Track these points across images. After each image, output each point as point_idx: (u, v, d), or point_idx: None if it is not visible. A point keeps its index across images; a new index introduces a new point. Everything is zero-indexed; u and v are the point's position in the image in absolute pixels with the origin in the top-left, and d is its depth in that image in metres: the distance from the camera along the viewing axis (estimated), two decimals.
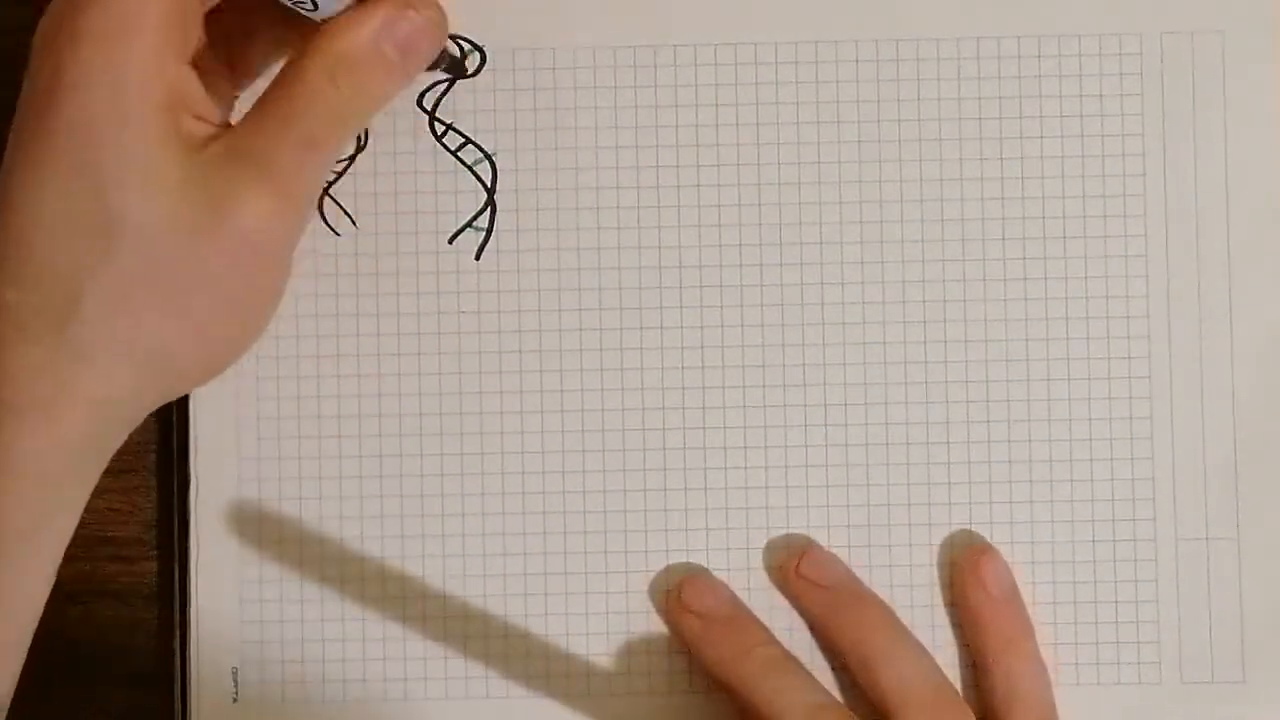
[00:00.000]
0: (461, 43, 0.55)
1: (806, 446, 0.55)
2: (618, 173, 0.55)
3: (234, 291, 0.45)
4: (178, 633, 0.55)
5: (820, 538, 0.55)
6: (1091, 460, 0.55)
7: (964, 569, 0.54)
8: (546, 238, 0.55)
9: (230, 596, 0.55)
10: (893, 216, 0.55)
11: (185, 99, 0.45)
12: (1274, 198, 0.55)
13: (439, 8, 0.47)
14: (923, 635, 0.54)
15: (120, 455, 0.54)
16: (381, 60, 0.45)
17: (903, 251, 0.55)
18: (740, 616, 0.54)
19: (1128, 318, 0.55)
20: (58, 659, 0.55)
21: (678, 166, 0.55)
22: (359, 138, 0.56)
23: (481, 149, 0.56)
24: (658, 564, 0.55)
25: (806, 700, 0.52)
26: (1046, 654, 0.54)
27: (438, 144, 0.56)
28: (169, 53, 0.44)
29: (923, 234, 0.55)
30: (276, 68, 0.52)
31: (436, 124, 0.56)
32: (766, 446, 0.55)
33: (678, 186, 0.55)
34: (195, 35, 0.46)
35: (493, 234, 0.56)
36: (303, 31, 0.49)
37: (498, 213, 0.56)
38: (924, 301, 0.55)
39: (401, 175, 0.56)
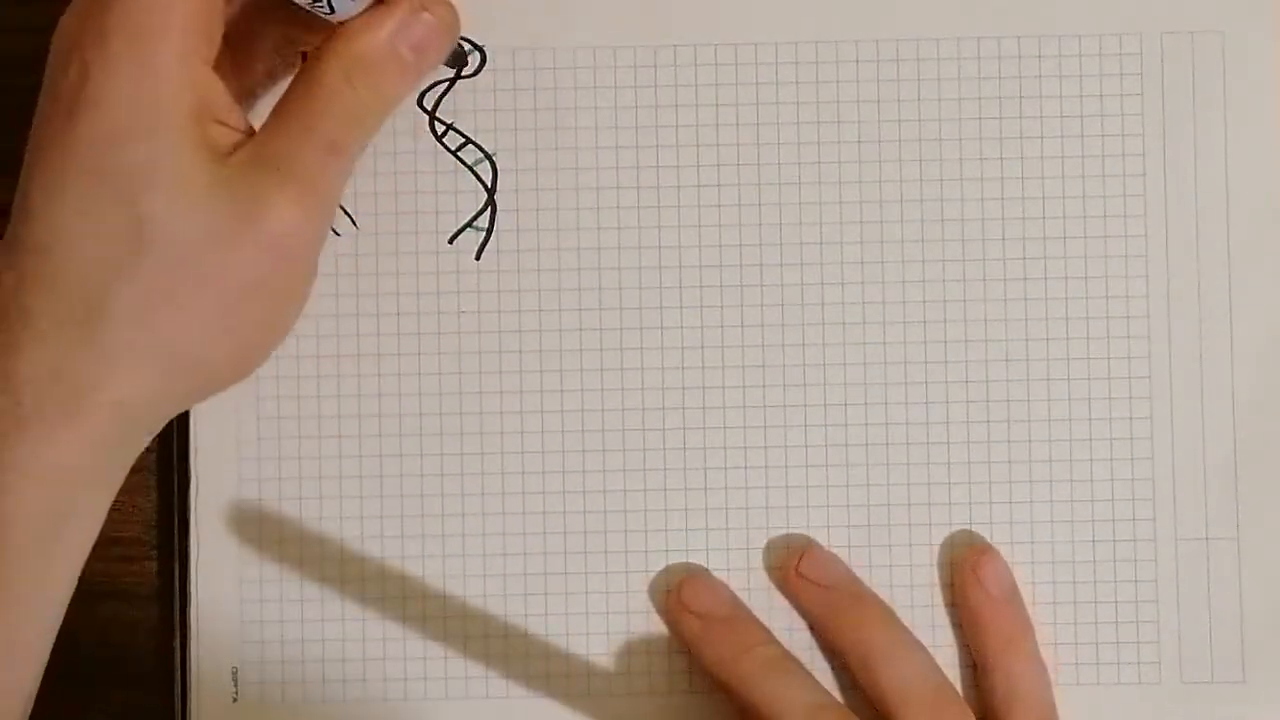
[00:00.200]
0: (462, 42, 0.55)
1: (806, 446, 0.55)
2: (618, 173, 0.55)
3: (261, 294, 0.45)
4: (178, 632, 0.55)
5: (820, 537, 0.55)
6: (1091, 460, 0.55)
7: (964, 569, 0.54)
8: (547, 238, 0.55)
9: (230, 596, 0.55)
10: (892, 216, 0.55)
11: (210, 105, 0.45)
12: (1274, 198, 0.55)
13: (451, 8, 0.47)
14: (923, 635, 0.54)
15: None
16: (397, 61, 0.46)
17: (903, 251, 0.55)
18: (739, 616, 0.54)
19: (1128, 318, 0.55)
20: (58, 659, 0.55)
21: (678, 166, 0.55)
22: None
23: (482, 149, 0.56)
24: (658, 564, 0.55)
25: (806, 700, 0.52)
26: (1046, 654, 0.54)
27: (438, 144, 0.56)
28: (195, 57, 0.44)
29: (922, 234, 0.55)
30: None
31: (437, 124, 0.56)
32: (766, 446, 0.55)
33: (678, 186, 0.55)
34: (218, 38, 0.46)
35: (493, 234, 0.56)
36: (308, 35, 0.49)
37: (498, 213, 0.56)
38: (924, 301, 0.55)
39: (402, 175, 0.56)
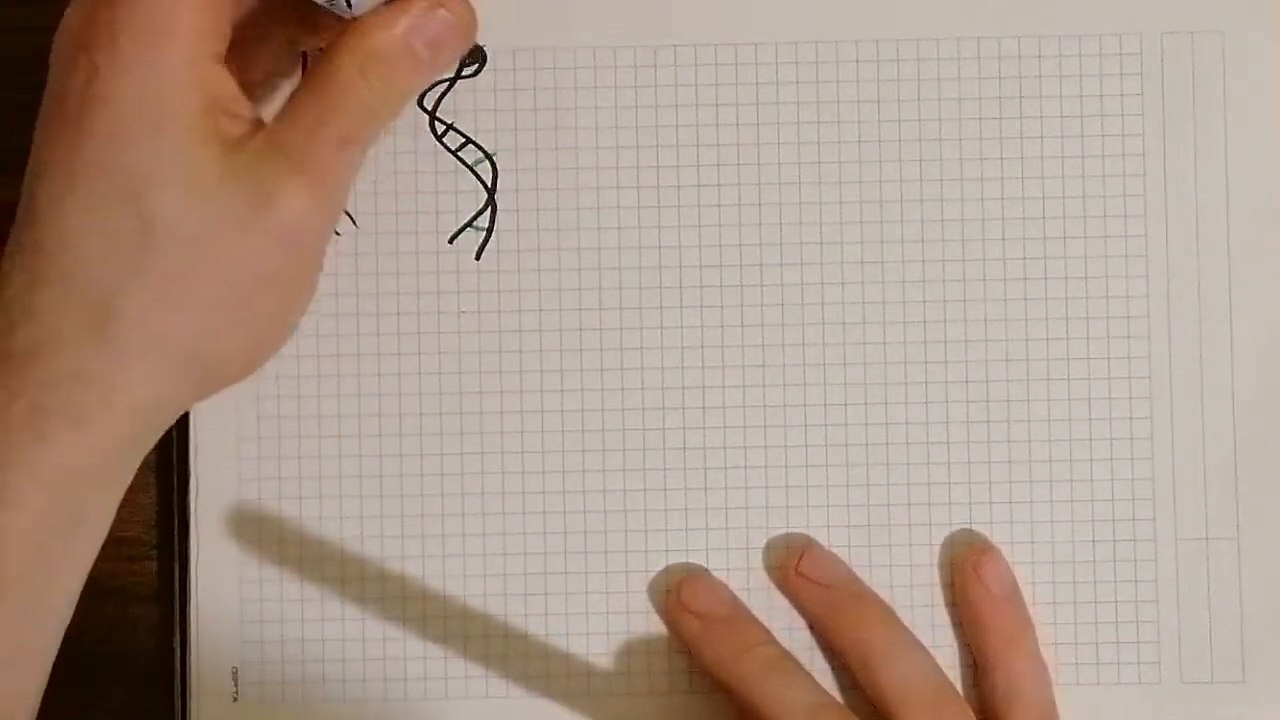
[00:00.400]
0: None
1: (806, 446, 0.55)
2: (618, 172, 0.55)
3: (273, 285, 0.45)
4: (178, 632, 0.55)
5: (820, 537, 0.55)
6: (1091, 460, 0.55)
7: (964, 567, 0.54)
8: (547, 238, 0.55)
9: (230, 596, 0.55)
10: (892, 216, 0.55)
11: (221, 100, 0.45)
12: (1274, 198, 0.55)
13: (469, 8, 0.47)
14: (923, 635, 0.54)
15: None
16: (411, 56, 0.46)
17: (902, 251, 0.55)
18: (739, 616, 0.54)
19: (1128, 318, 0.55)
20: (59, 657, 0.55)
21: (678, 166, 0.55)
22: None
23: (482, 149, 0.56)
24: (658, 564, 0.55)
25: (806, 700, 0.52)
26: (1046, 654, 0.54)
27: (438, 144, 0.56)
28: (205, 54, 0.44)
29: (922, 234, 0.55)
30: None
31: (437, 124, 0.56)
32: (766, 446, 0.55)
33: (678, 186, 0.55)
34: (228, 33, 0.46)
35: (493, 234, 0.56)
36: (311, 36, 0.49)
37: (498, 212, 0.56)
38: (924, 301, 0.55)
39: (402, 175, 0.56)
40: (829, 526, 0.55)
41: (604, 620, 0.55)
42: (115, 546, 0.55)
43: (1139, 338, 0.55)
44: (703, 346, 0.55)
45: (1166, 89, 0.55)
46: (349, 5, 0.46)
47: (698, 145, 0.55)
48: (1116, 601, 0.55)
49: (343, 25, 0.46)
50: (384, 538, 0.55)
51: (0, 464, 0.43)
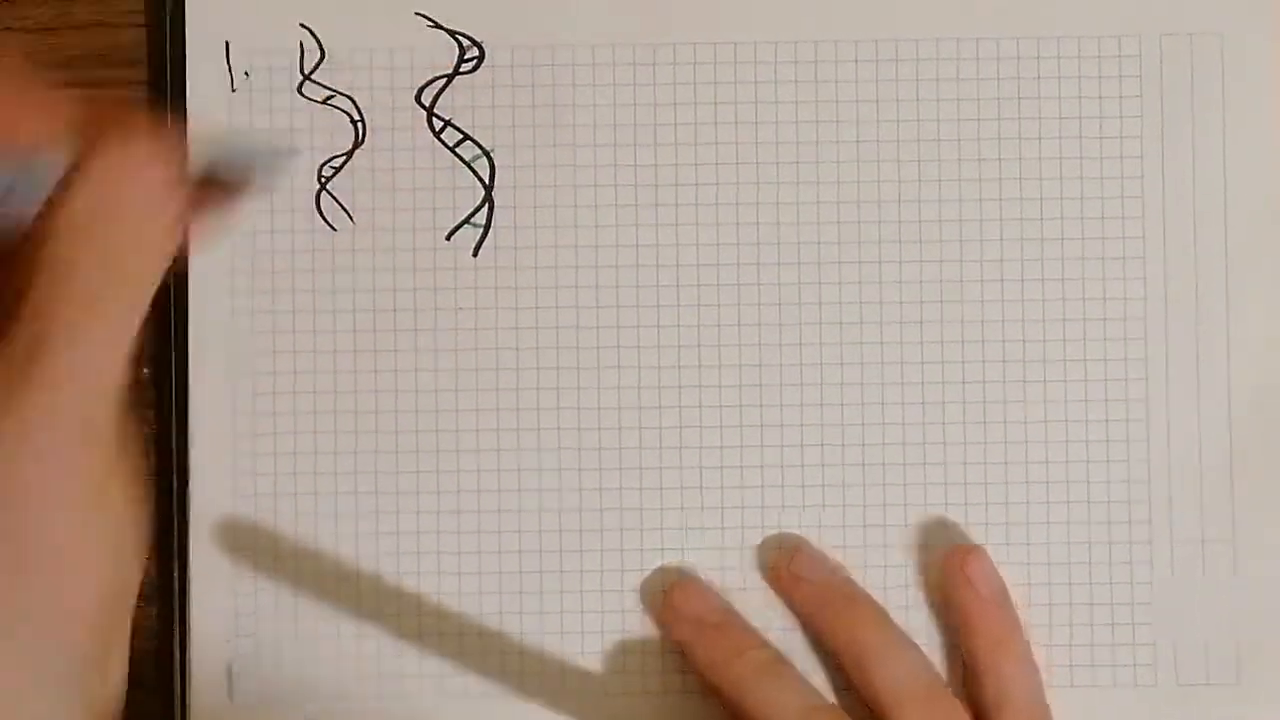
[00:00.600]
0: (461, 39, 0.55)
1: (802, 446, 0.55)
2: (615, 170, 0.55)
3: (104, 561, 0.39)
4: (177, 632, 0.55)
5: (813, 537, 0.55)
6: (1088, 462, 0.55)
7: (952, 569, 0.54)
8: (544, 235, 0.55)
9: (226, 594, 0.55)
10: (890, 217, 0.55)
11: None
12: (1273, 199, 0.55)
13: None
14: (917, 636, 0.54)
15: None
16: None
17: (901, 251, 0.55)
18: (731, 621, 0.54)
19: (1125, 319, 0.55)
20: None
21: (676, 165, 0.55)
22: (357, 133, 0.56)
23: (479, 145, 0.56)
24: (652, 563, 0.55)
25: (799, 704, 0.52)
26: (1041, 655, 0.54)
27: (435, 140, 0.56)
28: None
29: (920, 234, 0.55)
30: None
31: (434, 119, 0.56)
32: (763, 446, 0.55)
33: (675, 185, 0.55)
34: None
35: (490, 230, 0.55)
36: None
37: (495, 209, 0.55)
38: (921, 302, 0.55)
39: (399, 171, 0.56)
40: (821, 527, 0.55)
41: (599, 619, 0.55)
42: None
43: (1136, 339, 0.55)
44: (699, 345, 0.55)
45: (1165, 90, 0.55)
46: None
47: (696, 144, 0.55)
48: (1112, 603, 0.55)
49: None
50: (379, 535, 0.55)
51: None
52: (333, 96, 0.56)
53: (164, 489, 0.55)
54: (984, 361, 0.55)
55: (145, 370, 0.56)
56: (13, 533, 0.37)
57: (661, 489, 0.55)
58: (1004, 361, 0.55)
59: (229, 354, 0.55)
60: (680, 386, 0.55)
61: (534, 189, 0.55)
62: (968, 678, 0.54)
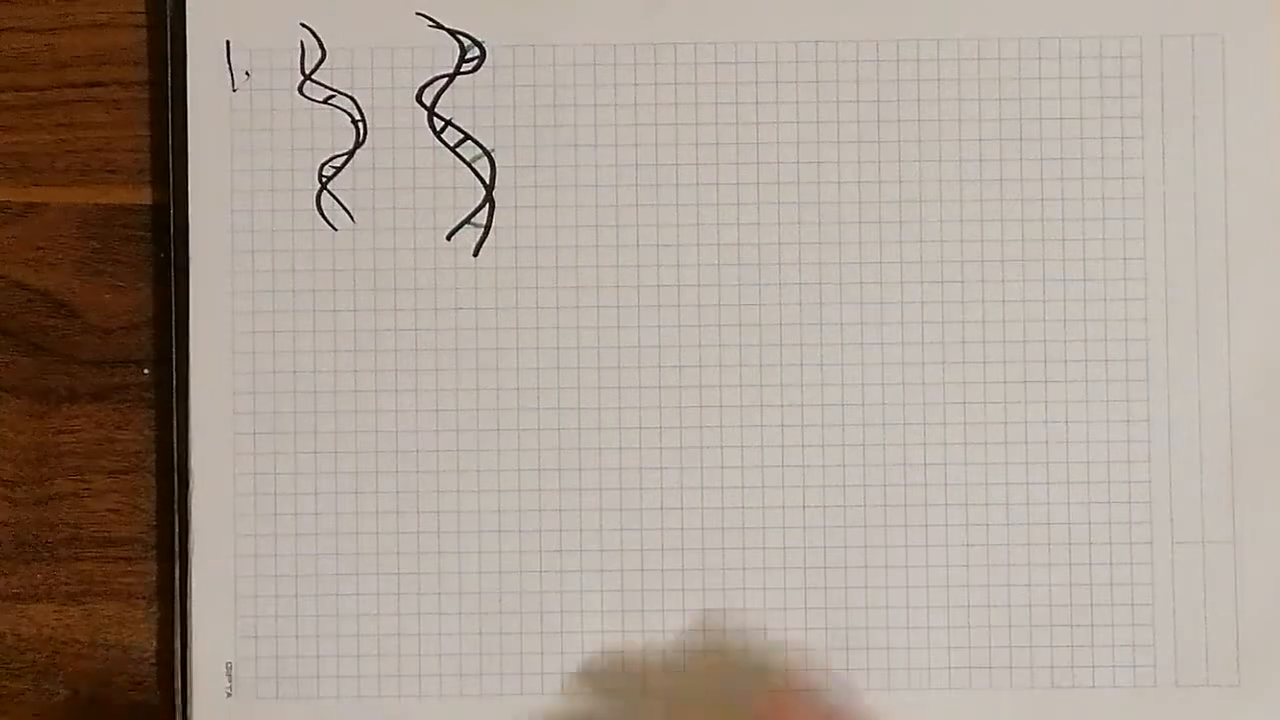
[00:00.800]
0: (462, 38, 0.55)
1: (803, 446, 0.55)
2: (616, 170, 0.55)
3: None
4: (178, 630, 0.55)
5: (815, 538, 0.55)
6: (1088, 463, 0.55)
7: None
8: (545, 235, 0.55)
9: (226, 593, 0.55)
10: (891, 217, 0.55)
11: None
12: (1273, 200, 0.55)
13: None
14: (917, 636, 0.54)
15: (120, 455, 0.54)
16: None
17: (901, 251, 0.55)
18: None
19: (1125, 320, 0.55)
20: (57, 658, 0.55)
21: (676, 165, 0.55)
22: (357, 132, 0.56)
23: (480, 145, 0.56)
24: (654, 562, 0.55)
25: None
26: (1042, 656, 0.54)
27: (436, 140, 0.56)
28: None
29: (921, 234, 0.55)
30: None
31: (435, 120, 0.56)
32: (763, 446, 0.55)
33: (676, 185, 0.55)
34: None
35: (491, 230, 0.55)
36: None
37: (496, 209, 0.56)
38: (921, 302, 0.55)
39: (400, 171, 0.56)
40: (826, 527, 0.55)
41: (599, 618, 0.55)
42: (114, 547, 0.55)
43: (1136, 340, 0.55)
44: (700, 345, 0.55)
45: (1166, 91, 0.55)
46: None
47: (696, 144, 0.55)
48: (1113, 604, 0.55)
49: None
50: (379, 534, 0.55)
51: None
52: (333, 96, 0.56)
53: (164, 489, 0.55)
54: (984, 362, 0.55)
55: (145, 370, 0.56)
56: None
57: (662, 488, 0.55)
58: (1004, 362, 0.55)
59: (229, 354, 0.55)
60: (681, 386, 0.55)
61: (534, 189, 0.55)
62: None
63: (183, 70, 0.55)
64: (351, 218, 0.55)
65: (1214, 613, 0.55)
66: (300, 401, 0.55)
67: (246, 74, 0.56)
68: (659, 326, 0.55)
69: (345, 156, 0.56)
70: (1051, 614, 0.55)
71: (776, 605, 0.55)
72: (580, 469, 0.55)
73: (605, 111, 0.55)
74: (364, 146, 0.56)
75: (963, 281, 0.55)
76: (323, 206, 0.55)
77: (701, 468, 0.55)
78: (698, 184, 0.55)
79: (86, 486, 0.55)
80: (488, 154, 0.56)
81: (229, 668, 0.55)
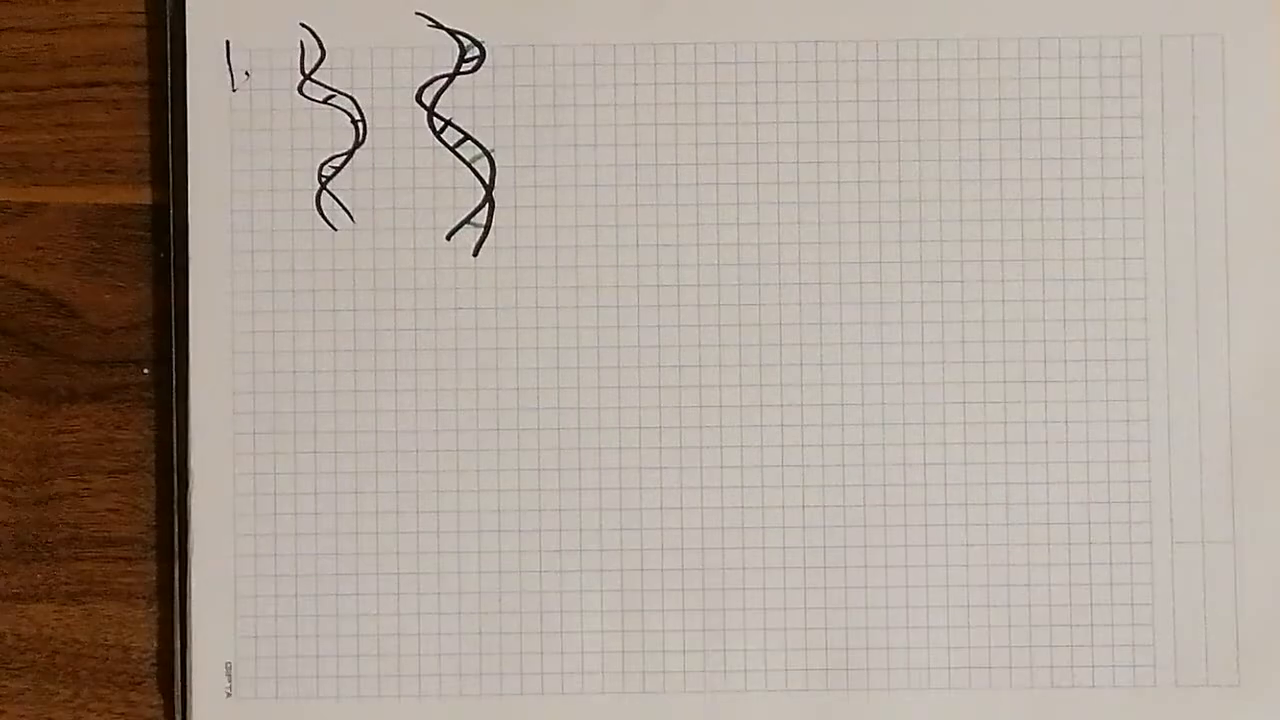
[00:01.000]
0: (462, 38, 0.55)
1: (803, 446, 0.55)
2: (616, 170, 0.55)
3: None
4: (178, 630, 0.55)
5: (815, 538, 0.55)
6: (1088, 463, 0.55)
7: None
8: (544, 235, 0.55)
9: (226, 593, 0.55)
10: (891, 216, 0.55)
11: None
12: (1273, 199, 0.55)
13: None
14: (915, 635, 0.54)
15: (120, 455, 0.54)
16: None
17: (901, 251, 0.55)
18: None
19: (1125, 320, 0.55)
20: (58, 657, 0.55)
21: (676, 165, 0.55)
22: (357, 132, 0.56)
23: (480, 145, 0.56)
24: (654, 561, 0.55)
25: None
26: (1042, 656, 0.54)
27: (436, 140, 0.56)
28: None
29: (921, 234, 0.55)
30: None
31: (435, 119, 0.56)
32: (763, 445, 0.55)
33: (675, 185, 0.55)
34: None
35: (491, 230, 0.55)
36: None
37: (496, 209, 0.55)
38: (921, 302, 0.55)
39: (400, 171, 0.56)
40: (826, 527, 0.55)
41: (599, 618, 0.55)
42: (115, 546, 0.55)
43: (1136, 340, 0.55)
44: (699, 345, 0.55)
45: (1166, 91, 0.55)
46: None
47: (696, 144, 0.55)
48: (1112, 604, 0.55)
49: None
50: (379, 534, 0.55)
51: None
52: (333, 96, 0.56)
53: (164, 489, 0.55)
54: (984, 362, 0.55)
55: (145, 370, 0.56)
56: None
57: (662, 488, 0.55)
58: (1004, 362, 0.55)
59: (229, 354, 0.55)
60: (680, 386, 0.55)
61: (534, 189, 0.55)
62: None
63: (183, 70, 0.55)
64: (351, 218, 0.55)
65: (1214, 613, 0.55)
66: (300, 401, 0.55)
67: (246, 74, 0.56)
68: (659, 326, 0.55)
69: (345, 156, 0.56)
70: (1051, 614, 0.55)
71: (776, 605, 0.55)
72: (580, 469, 0.55)
73: (605, 111, 0.55)
74: (364, 146, 0.56)
75: (963, 281, 0.55)
76: (322, 206, 0.55)
77: (701, 468, 0.55)
78: (698, 184, 0.55)
79: (86, 486, 0.55)
80: (487, 154, 0.56)
81: (229, 668, 0.55)
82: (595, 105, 0.55)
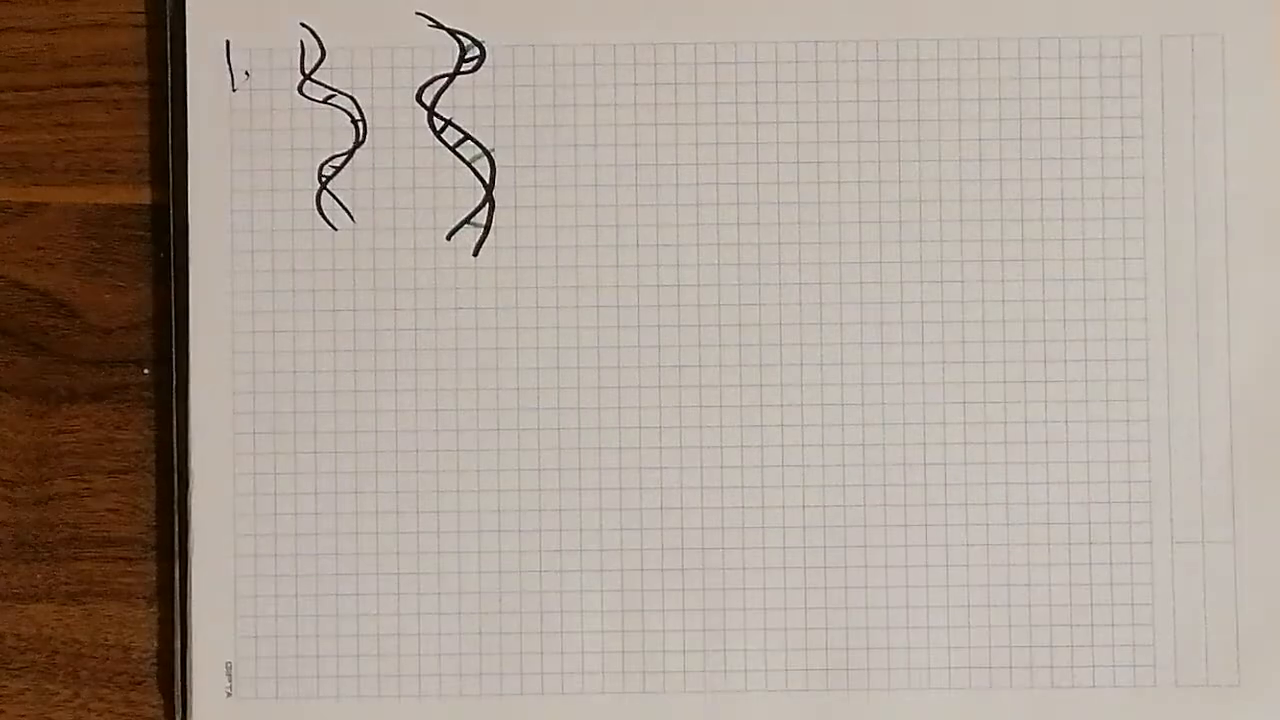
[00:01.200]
0: (462, 38, 0.55)
1: (803, 446, 0.55)
2: (616, 170, 0.55)
3: None
4: (178, 630, 0.55)
5: (815, 538, 0.55)
6: (1088, 463, 0.55)
7: None
8: (544, 235, 0.55)
9: (226, 593, 0.55)
10: (892, 216, 0.55)
11: None
12: (1273, 199, 0.55)
13: None
14: (917, 635, 0.54)
15: (120, 455, 0.54)
16: None
17: (901, 251, 0.55)
18: None
19: (1126, 320, 0.55)
20: (58, 657, 0.55)
21: (676, 165, 0.55)
22: (357, 132, 0.56)
23: (480, 145, 0.56)
24: (655, 561, 0.55)
25: None
26: (1042, 656, 0.54)
27: (436, 140, 0.56)
28: None
29: (921, 234, 0.55)
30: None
31: (435, 119, 0.56)
32: (763, 445, 0.55)
33: (675, 185, 0.55)
34: None
35: (491, 230, 0.55)
36: None
37: (496, 209, 0.55)
38: (921, 302, 0.55)
39: (400, 170, 0.56)
40: (826, 527, 0.55)
41: (599, 618, 0.55)
42: (114, 547, 0.55)
43: (1136, 340, 0.55)
44: (700, 345, 0.55)
45: (1166, 91, 0.55)
46: None
47: (696, 144, 0.55)
48: (1113, 604, 0.55)
49: None
50: (379, 534, 0.55)
51: None
52: (333, 96, 0.56)
53: (164, 489, 0.55)
54: (984, 362, 0.55)
55: (145, 370, 0.56)
56: None
57: (662, 488, 0.55)
58: (1004, 362, 0.55)
59: (229, 354, 0.55)
60: (680, 386, 0.55)
61: (534, 189, 0.55)
62: None
63: (183, 70, 0.55)
64: (351, 218, 0.55)
65: (1214, 613, 0.55)
66: (300, 401, 0.55)
67: (246, 74, 0.56)
68: (659, 326, 0.55)
69: (345, 156, 0.56)
70: (1051, 614, 0.55)
71: (776, 605, 0.55)
72: (580, 469, 0.55)
73: (605, 111, 0.55)
74: (364, 146, 0.56)
75: (963, 281, 0.55)
76: (323, 206, 0.55)
77: (701, 468, 0.55)
78: (698, 184, 0.55)
79: (86, 486, 0.55)
80: (488, 154, 0.56)
81: (229, 668, 0.55)
82: (595, 105, 0.55)
